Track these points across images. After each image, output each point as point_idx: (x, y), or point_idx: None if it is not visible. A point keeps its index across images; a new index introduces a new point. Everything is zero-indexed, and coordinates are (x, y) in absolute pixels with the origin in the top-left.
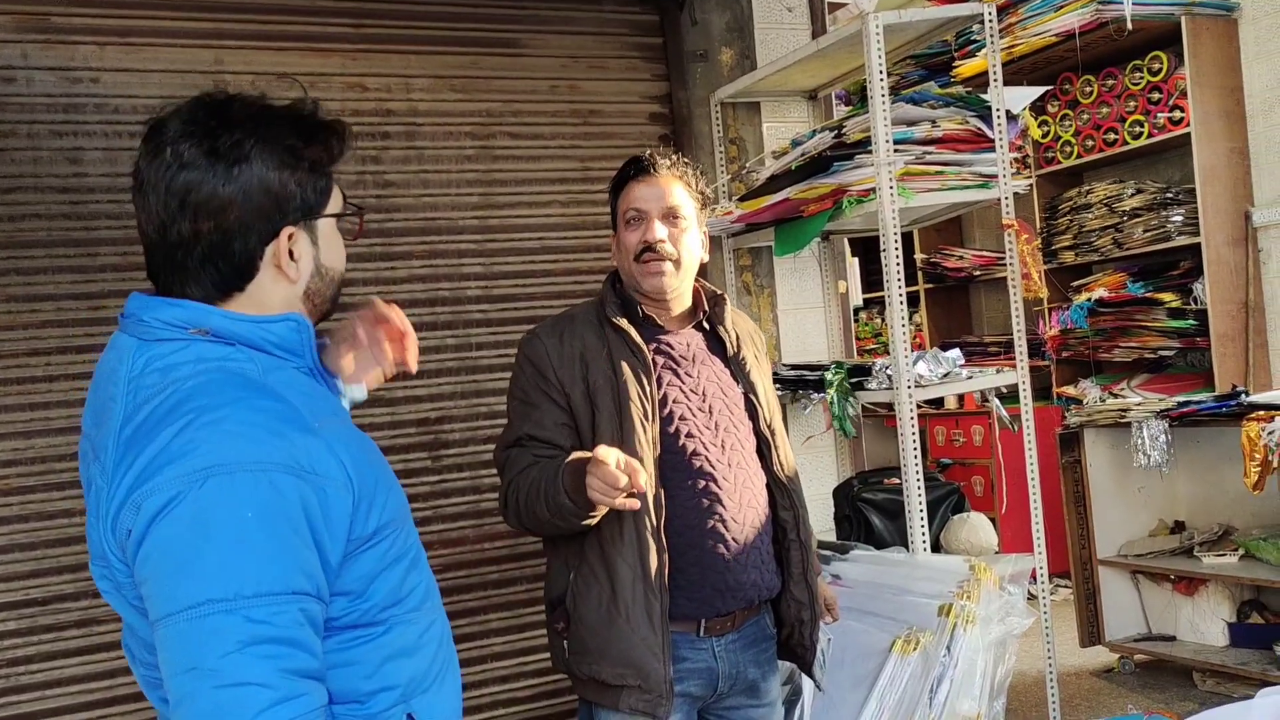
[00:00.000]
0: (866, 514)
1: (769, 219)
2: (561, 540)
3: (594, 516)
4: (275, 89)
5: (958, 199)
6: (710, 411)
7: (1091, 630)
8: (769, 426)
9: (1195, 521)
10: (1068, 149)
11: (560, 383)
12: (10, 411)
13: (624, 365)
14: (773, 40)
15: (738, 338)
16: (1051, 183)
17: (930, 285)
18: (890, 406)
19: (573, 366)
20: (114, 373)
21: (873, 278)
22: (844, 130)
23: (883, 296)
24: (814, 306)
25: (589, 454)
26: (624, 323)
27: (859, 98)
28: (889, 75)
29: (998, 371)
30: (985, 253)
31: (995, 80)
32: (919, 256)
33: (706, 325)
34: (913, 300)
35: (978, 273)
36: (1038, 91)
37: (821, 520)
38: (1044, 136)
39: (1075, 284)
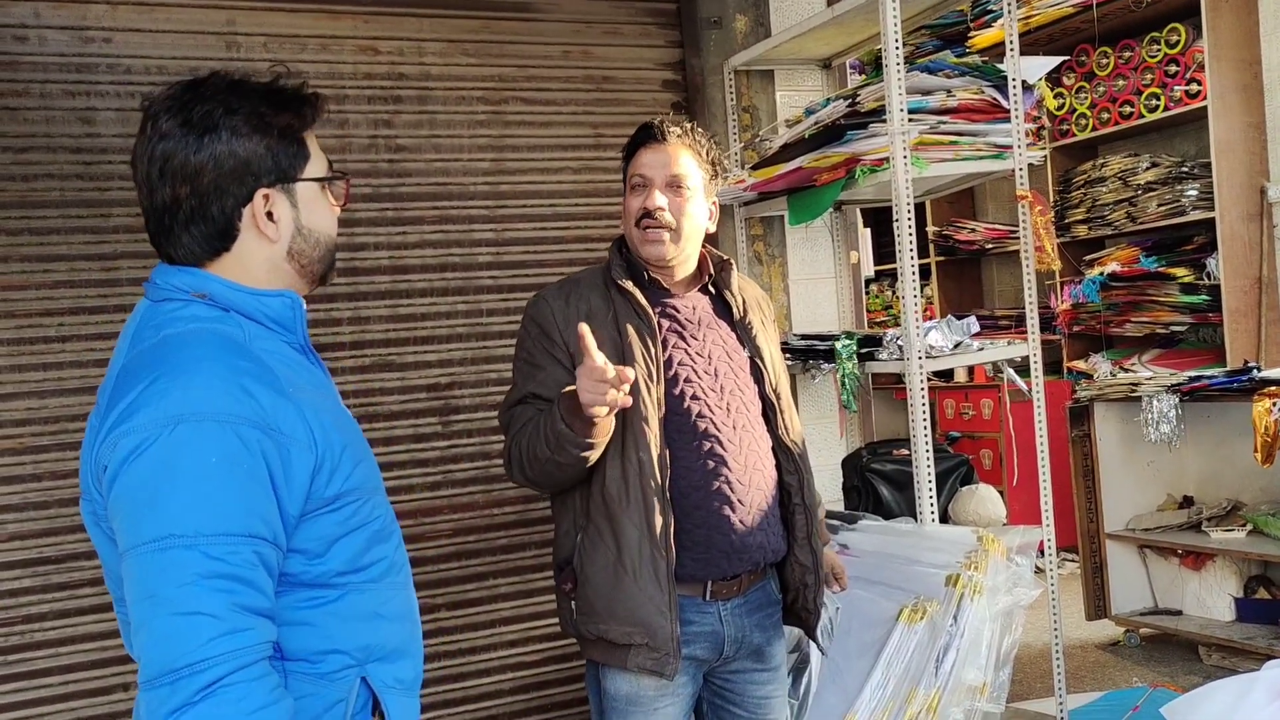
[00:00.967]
0: (875, 484)
1: (782, 188)
2: (569, 501)
3: (594, 445)
4: (286, 50)
5: (972, 169)
6: (715, 374)
7: (1098, 603)
8: (775, 391)
9: (1204, 496)
10: (1083, 121)
11: (565, 344)
12: (24, 371)
13: (629, 328)
14: (787, 8)
15: (744, 302)
16: (1066, 155)
17: (942, 258)
18: (900, 379)
19: (578, 328)
20: (125, 331)
21: (884, 250)
22: (858, 99)
23: (893, 269)
24: (825, 277)
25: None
26: (629, 285)
27: (873, 67)
28: (904, 46)
29: (1009, 343)
30: (998, 226)
31: (1012, 49)
32: (931, 229)
33: (713, 289)
34: (924, 273)
35: (990, 246)
36: (1054, 61)
37: (830, 490)
38: (1059, 109)
39: (1088, 258)
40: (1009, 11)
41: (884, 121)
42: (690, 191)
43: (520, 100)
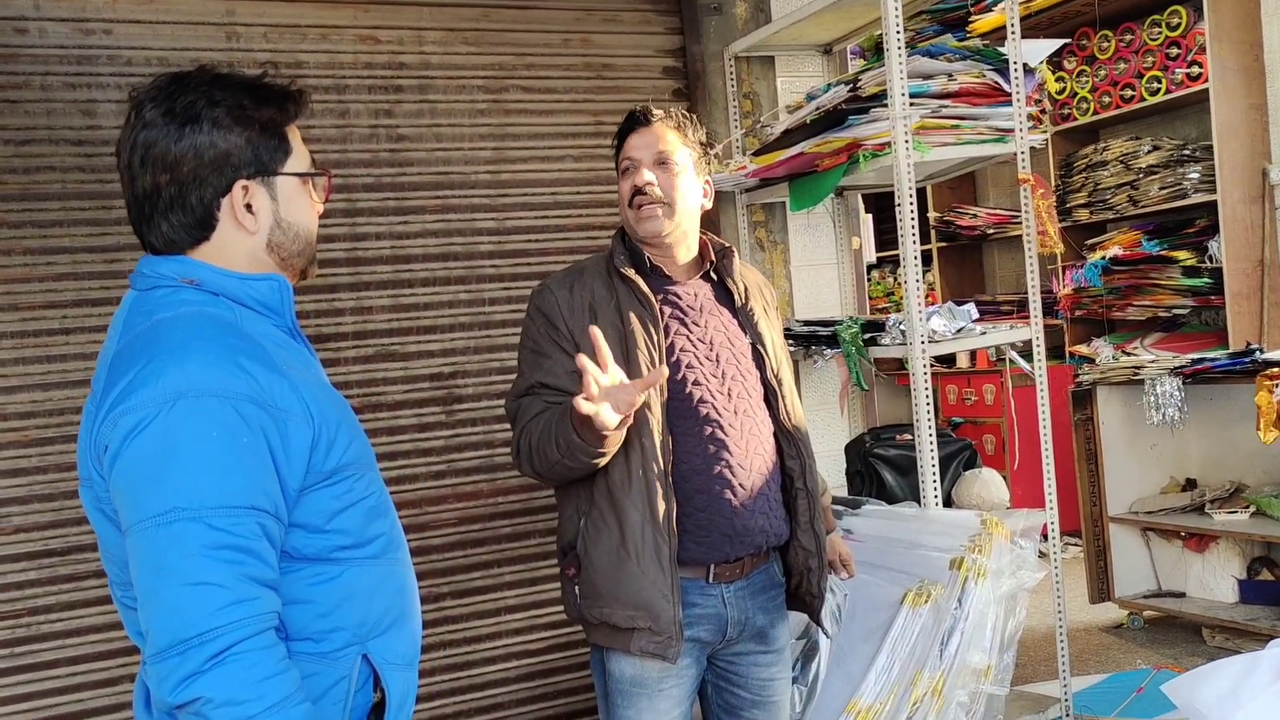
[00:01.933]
0: (879, 469)
1: (783, 174)
2: (572, 487)
3: (604, 454)
4: (286, 40)
5: (973, 153)
6: (717, 360)
7: (1101, 586)
8: (776, 376)
9: (1207, 479)
10: (1084, 105)
11: (570, 332)
12: (28, 364)
13: (631, 315)
14: None
15: (746, 289)
16: (1067, 140)
17: (943, 244)
18: (902, 364)
19: (582, 316)
20: (114, 321)
21: (885, 237)
22: (859, 84)
23: (895, 255)
24: (827, 263)
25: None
26: (631, 273)
27: (874, 52)
28: (904, 30)
29: (1011, 327)
30: (999, 211)
31: (1013, 32)
32: (932, 215)
33: (715, 276)
34: (926, 259)
35: (991, 231)
36: (1056, 44)
37: (834, 476)
38: (1060, 93)
39: (1090, 242)
40: None
41: (885, 106)
42: (679, 167)
43: (520, 88)
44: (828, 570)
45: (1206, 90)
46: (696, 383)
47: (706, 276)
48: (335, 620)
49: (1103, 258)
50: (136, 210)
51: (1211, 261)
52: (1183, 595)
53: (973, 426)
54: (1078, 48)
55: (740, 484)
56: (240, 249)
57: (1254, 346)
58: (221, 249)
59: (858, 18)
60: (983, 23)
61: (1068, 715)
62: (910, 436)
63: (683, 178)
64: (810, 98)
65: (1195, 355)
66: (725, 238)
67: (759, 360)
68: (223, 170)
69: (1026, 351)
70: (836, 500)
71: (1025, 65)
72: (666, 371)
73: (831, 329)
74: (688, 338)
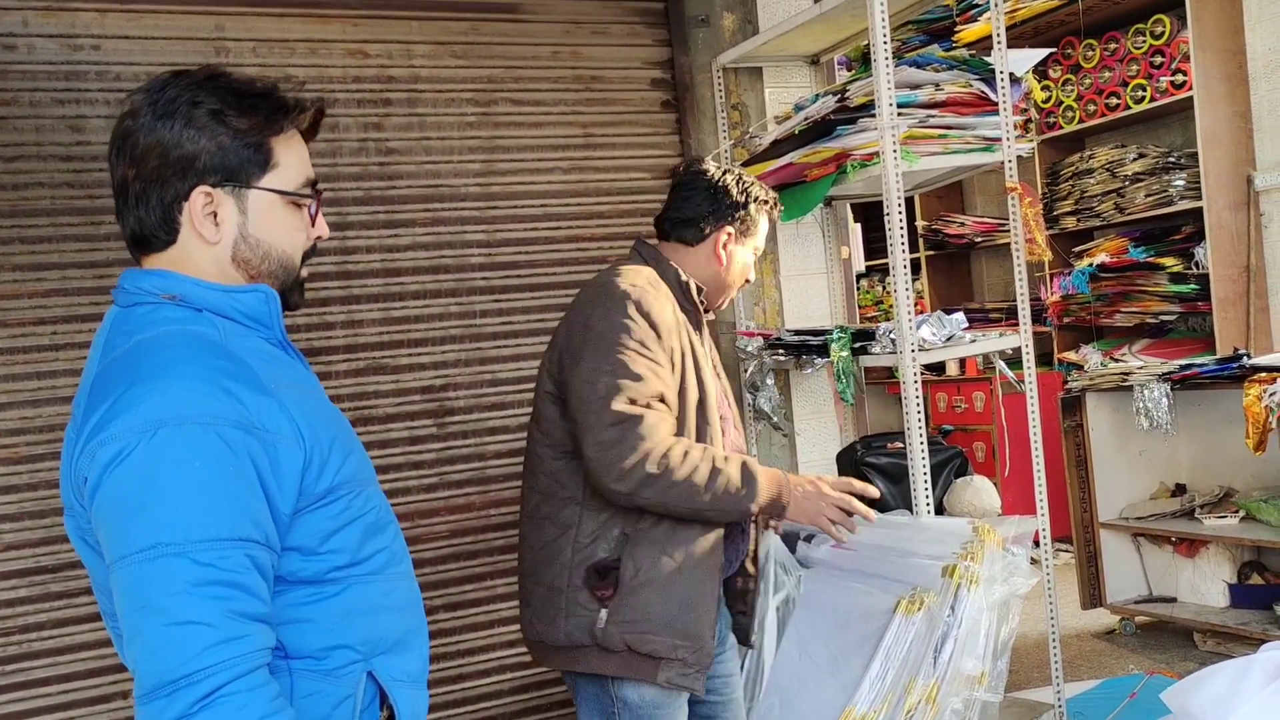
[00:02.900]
0: (870, 478)
1: (772, 184)
2: (597, 501)
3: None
4: (275, 55)
5: (961, 162)
6: (724, 392)
7: (1093, 592)
8: (730, 401)
9: (1196, 484)
10: (1069, 114)
11: (672, 349)
12: (18, 380)
13: (693, 339)
14: (774, 5)
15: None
16: (1053, 148)
17: (931, 252)
18: (892, 373)
19: (678, 336)
20: (96, 340)
21: (873, 246)
22: (847, 94)
23: (883, 264)
24: (817, 272)
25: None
26: (698, 300)
27: (861, 63)
28: (891, 41)
29: (1000, 334)
30: (987, 219)
31: (999, 42)
32: (920, 224)
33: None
34: (914, 268)
35: (979, 239)
36: (1042, 53)
37: None
38: (1046, 101)
39: (1077, 249)
40: (995, 5)
41: (873, 116)
42: None
43: (509, 101)
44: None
45: (1191, 98)
46: (723, 416)
47: None
48: (338, 637)
49: (1090, 265)
50: (115, 202)
51: (1198, 268)
52: (1174, 600)
53: (963, 434)
54: (1063, 56)
55: None
56: (204, 257)
57: (1241, 352)
58: (187, 255)
59: (845, 28)
60: (968, 32)
61: None
62: (901, 445)
63: None
64: (798, 108)
65: (1183, 361)
66: None
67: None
68: (185, 174)
69: (1015, 359)
70: None
71: (1011, 74)
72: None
73: (822, 339)
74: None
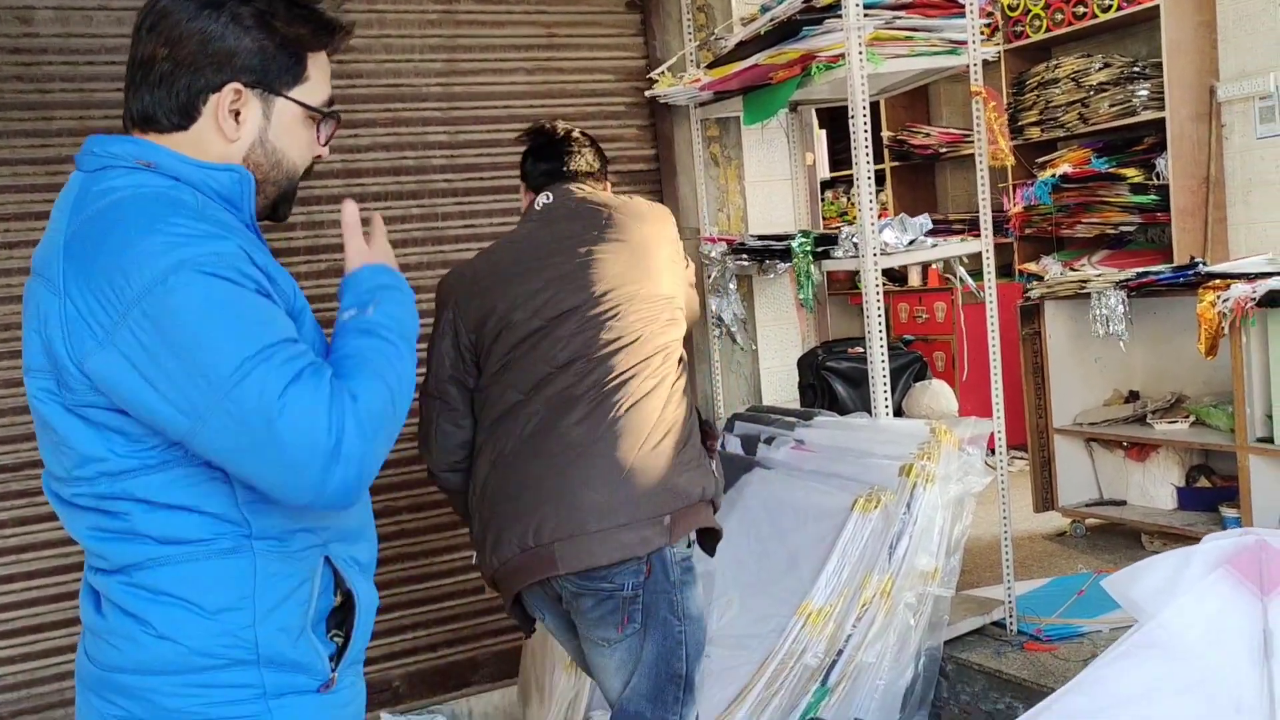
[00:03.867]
0: (831, 382)
1: (737, 86)
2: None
3: None
4: None
5: (927, 65)
6: None
7: (1045, 496)
8: None
9: (1149, 391)
10: (1037, 22)
11: None
12: None
13: None
14: None
15: None
16: (1019, 58)
17: (896, 163)
18: (855, 283)
19: None
20: (60, 203)
21: (838, 157)
22: None
23: (848, 175)
24: (781, 179)
25: None
26: None
27: None
28: None
29: (962, 240)
30: (952, 130)
31: None
32: (885, 134)
33: None
34: (879, 179)
35: (944, 150)
36: None
37: (786, 389)
38: (1014, 9)
39: (1040, 160)
40: None
41: (840, 17)
42: None
43: None
44: None
45: (1157, 7)
46: None
47: None
48: (300, 521)
49: (1053, 175)
50: (129, 75)
51: (1158, 179)
52: (1124, 503)
53: (923, 344)
54: None
55: None
56: (214, 151)
57: (1197, 260)
58: (197, 145)
59: None
60: None
61: (1011, 616)
62: (862, 350)
63: None
64: (765, 9)
65: (1140, 270)
66: (679, 153)
67: None
68: (221, 67)
69: (976, 270)
70: (789, 412)
71: None
72: None
73: (785, 243)
74: None
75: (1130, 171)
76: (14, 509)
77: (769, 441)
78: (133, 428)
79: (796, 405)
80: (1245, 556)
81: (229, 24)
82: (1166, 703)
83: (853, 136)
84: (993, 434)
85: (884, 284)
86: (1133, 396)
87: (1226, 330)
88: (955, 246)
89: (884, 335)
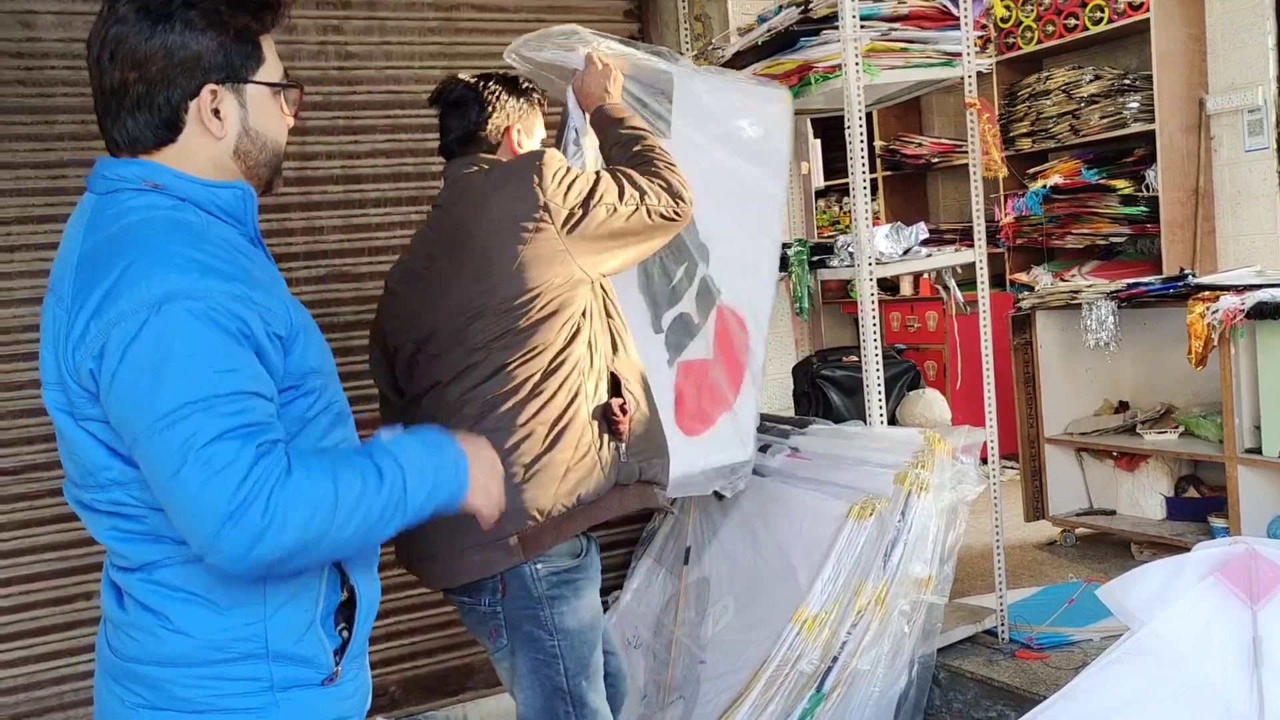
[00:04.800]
0: (825, 390)
1: None
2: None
3: None
4: None
5: (922, 77)
6: None
7: (1036, 505)
8: None
9: (1139, 401)
10: (1028, 34)
11: None
12: None
13: None
14: None
15: None
16: (1011, 69)
17: (889, 173)
18: (848, 293)
19: None
20: (74, 223)
21: (833, 166)
22: (811, 6)
23: (842, 184)
24: None
25: None
26: None
27: None
28: None
29: (956, 250)
30: (944, 140)
31: None
32: (878, 144)
33: None
34: (872, 188)
35: (936, 160)
36: None
37: (781, 398)
38: (1005, 21)
39: (1031, 171)
40: None
41: (836, 28)
42: None
43: (471, 7)
44: None
45: (1148, 20)
46: None
47: None
48: None
49: (1044, 186)
50: (102, 106)
51: (1148, 190)
52: (1113, 513)
53: (916, 353)
54: None
55: None
56: (205, 154)
57: (1187, 271)
58: (187, 153)
59: None
60: None
61: (1003, 625)
62: (856, 358)
63: None
64: (762, 20)
65: (1131, 281)
66: None
67: None
68: (192, 73)
69: (969, 280)
70: (784, 420)
71: None
72: None
73: (781, 252)
74: None
75: (1120, 183)
76: (14, 512)
77: (765, 449)
78: None
79: (792, 413)
80: (1235, 565)
81: (185, 31)
82: (1157, 709)
83: (849, 147)
84: (985, 443)
85: (877, 293)
86: (1122, 406)
87: (1215, 341)
88: (950, 256)
89: (879, 343)
